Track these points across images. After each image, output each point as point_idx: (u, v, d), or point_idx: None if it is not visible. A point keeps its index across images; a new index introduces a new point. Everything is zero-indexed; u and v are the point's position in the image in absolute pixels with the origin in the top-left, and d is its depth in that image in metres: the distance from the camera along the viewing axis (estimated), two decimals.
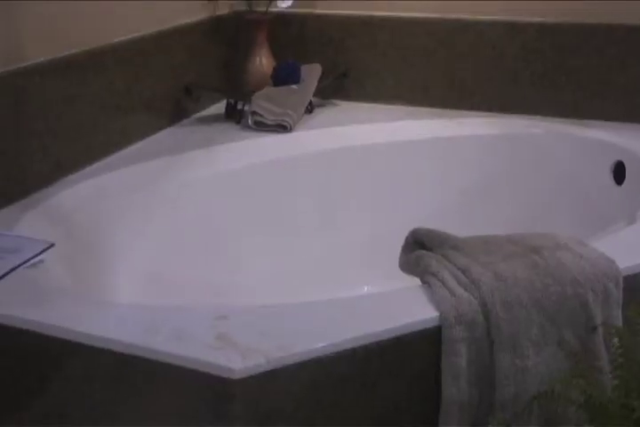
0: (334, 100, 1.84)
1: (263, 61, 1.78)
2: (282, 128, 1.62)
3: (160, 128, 1.62)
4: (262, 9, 1.77)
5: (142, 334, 0.87)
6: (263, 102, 1.64)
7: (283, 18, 1.80)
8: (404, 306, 0.94)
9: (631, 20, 1.58)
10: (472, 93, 1.74)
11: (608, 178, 1.57)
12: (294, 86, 1.69)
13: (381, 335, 0.89)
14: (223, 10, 1.81)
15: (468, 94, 1.74)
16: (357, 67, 1.80)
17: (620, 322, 1.01)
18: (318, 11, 1.81)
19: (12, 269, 1.03)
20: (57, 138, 1.33)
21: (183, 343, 0.86)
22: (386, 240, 1.57)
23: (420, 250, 1.05)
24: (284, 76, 1.71)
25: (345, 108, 1.81)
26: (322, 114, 1.76)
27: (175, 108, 1.67)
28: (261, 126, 1.62)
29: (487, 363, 0.94)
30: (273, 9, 1.77)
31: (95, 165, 1.43)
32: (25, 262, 1.05)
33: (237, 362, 0.82)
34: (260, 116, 1.62)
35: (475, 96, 1.74)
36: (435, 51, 1.73)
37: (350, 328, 0.89)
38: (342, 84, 1.82)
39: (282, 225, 1.55)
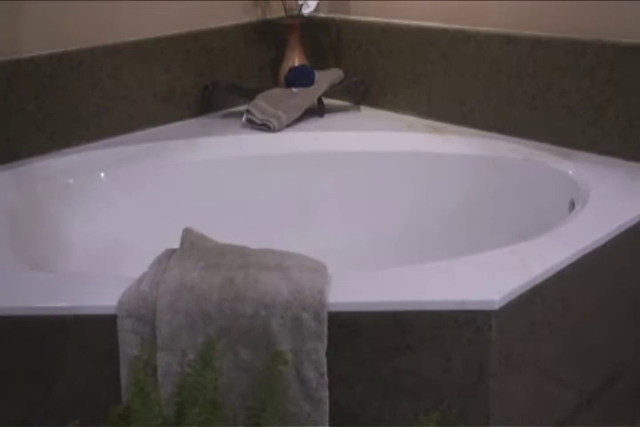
0: (363, 107, 1.85)
1: (296, 64, 1.87)
2: (266, 128, 1.70)
3: (179, 119, 1.82)
4: (295, 13, 1.86)
5: None
6: (260, 102, 1.74)
7: (320, 23, 1.86)
8: (102, 291, 1.02)
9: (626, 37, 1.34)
10: (472, 111, 1.62)
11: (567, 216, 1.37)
12: (295, 89, 1.76)
13: (57, 311, 1.00)
14: (277, 13, 1.94)
15: (468, 111, 1.63)
16: (379, 74, 1.79)
17: (317, 356, 0.96)
18: (352, 17, 1.83)
19: None
20: (51, 117, 1.61)
21: None
22: (354, 251, 1.59)
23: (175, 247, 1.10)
24: (293, 78, 1.78)
25: (362, 114, 1.82)
26: (331, 118, 1.79)
27: (202, 102, 1.85)
28: (252, 124, 1.73)
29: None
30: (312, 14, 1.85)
31: (93, 144, 1.70)
32: None
33: None
34: (252, 114, 1.72)
35: (474, 113, 1.62)
36: (438, 62, 1.65)
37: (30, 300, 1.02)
38: (369, 91, 1.82)
39: (234, 227, 1.62)
